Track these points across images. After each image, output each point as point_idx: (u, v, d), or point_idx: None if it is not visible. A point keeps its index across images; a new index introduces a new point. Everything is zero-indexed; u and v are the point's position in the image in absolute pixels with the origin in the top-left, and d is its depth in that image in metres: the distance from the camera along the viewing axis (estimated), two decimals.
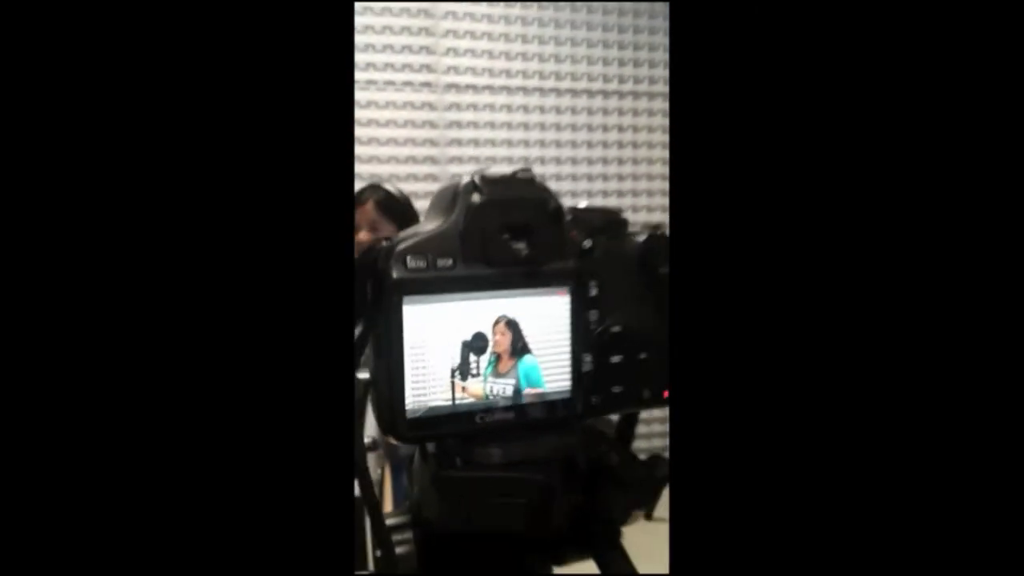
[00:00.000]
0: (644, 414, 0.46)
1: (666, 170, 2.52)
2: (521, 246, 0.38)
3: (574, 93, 2.51)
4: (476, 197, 0.38)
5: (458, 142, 2.43)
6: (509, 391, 0.39)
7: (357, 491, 0.38)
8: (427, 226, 0.38)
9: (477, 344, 0.38)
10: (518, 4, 2.43)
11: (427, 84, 2.39)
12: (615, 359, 0.41)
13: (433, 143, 2.41)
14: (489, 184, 0.38)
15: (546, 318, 0.40)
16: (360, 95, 2.27)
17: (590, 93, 2.53)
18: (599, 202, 2.28)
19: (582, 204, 0.43)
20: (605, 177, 2.57)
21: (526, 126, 2.49)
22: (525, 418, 0.40)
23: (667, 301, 0.38)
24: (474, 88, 2.43)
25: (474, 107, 2.43)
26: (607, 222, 0.43)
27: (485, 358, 0.38)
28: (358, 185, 1.22)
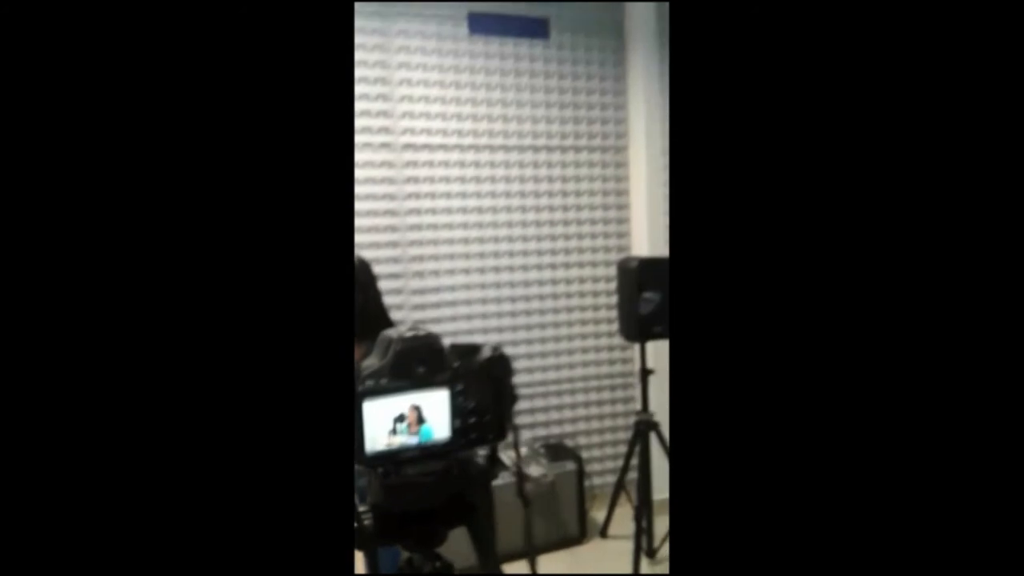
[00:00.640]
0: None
1: (607, 214, 2.95)
2: (422, 369, 0.79)
3: (520, 149, 2.91)
4: (398, 346, 0.78)
5: (416, 196, 2.79)
6: (416, 441, 0.80)
7: None
8: (373, 361, 0.78)
9: (400, 418, 0.78)
10: (467, 71, 2.80)
11: (385, 145, 2.72)
12: (471, 420, 0.82)
13: (392, 198, 2.76)
14: (404, 339, 0.78)
15: (435, 403, 0.80)
16: None
17: (535, 149, 2.93)
18: (548, 246, 2.71)
19: (454, 341, 0.83)
20: (552, 223, 2.96)
21: (478, 179, 2.87)
22: (426, 453, 0.80)
23: (499, 390, 0.78)
24: (429, 147, 2.79)
25: (430, 164, 2.79)
26: (468, 349, 0.83)
27: (404, 424, 0.79)
28: None
